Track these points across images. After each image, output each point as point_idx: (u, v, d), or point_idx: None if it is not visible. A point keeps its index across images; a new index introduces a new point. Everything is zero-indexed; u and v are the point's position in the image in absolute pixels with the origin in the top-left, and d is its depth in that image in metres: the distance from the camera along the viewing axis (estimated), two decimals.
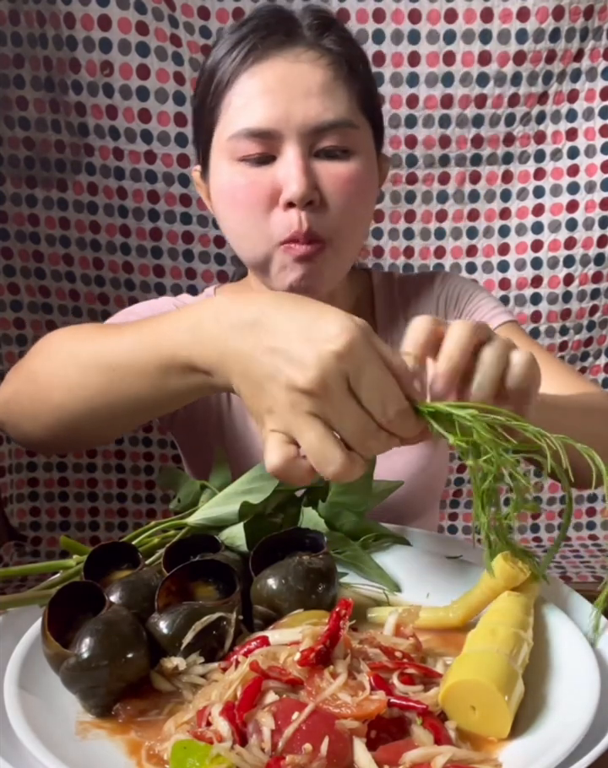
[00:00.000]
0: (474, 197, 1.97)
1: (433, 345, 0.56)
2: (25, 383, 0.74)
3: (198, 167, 0.94)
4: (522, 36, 1.83)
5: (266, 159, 0.83)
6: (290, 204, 0.82)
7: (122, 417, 0.69)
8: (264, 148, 0.82)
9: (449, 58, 1.85)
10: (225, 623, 0.56)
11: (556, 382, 0.84)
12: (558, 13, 1.82)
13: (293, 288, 0.86)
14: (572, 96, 1.91)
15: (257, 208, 0.83)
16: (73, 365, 0.69)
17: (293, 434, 0.52)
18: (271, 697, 0.48)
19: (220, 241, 1.94)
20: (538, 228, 1.98)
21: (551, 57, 1.86)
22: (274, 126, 0.81)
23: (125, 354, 0.64)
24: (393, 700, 0.48)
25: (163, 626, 0.55)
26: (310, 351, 0.50)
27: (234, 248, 0.91)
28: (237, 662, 0.51)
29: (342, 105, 0.83)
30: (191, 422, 0.99)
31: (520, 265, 2.00)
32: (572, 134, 1.94)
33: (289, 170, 0.81)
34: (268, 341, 0.53)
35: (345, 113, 0.83)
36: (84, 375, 0.67)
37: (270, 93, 0.82)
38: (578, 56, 1.87)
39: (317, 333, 0.51)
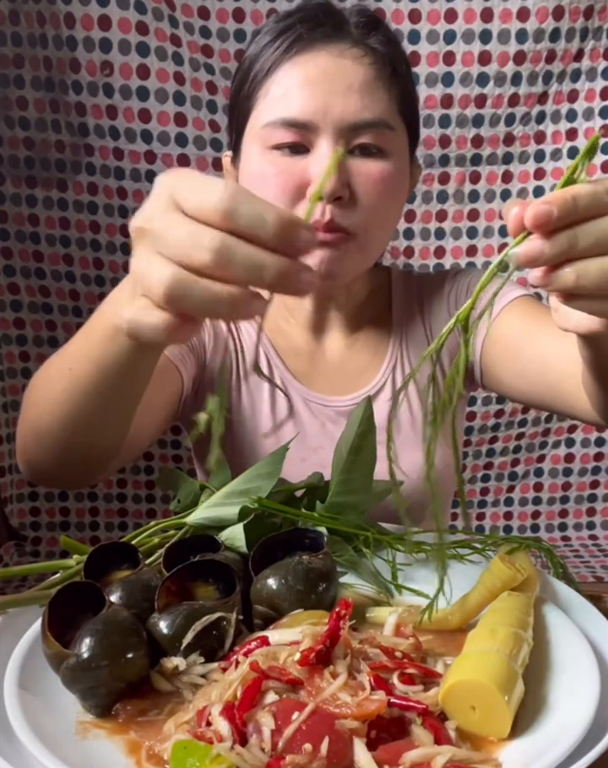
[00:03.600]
0: (474, 197, 1.97)
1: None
2: (25, 428, 0.74)
3: (229, 153, 0.94)
4: (522, 36, 1.83)
5: (299, 149, 0.83)
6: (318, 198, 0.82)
7: (95, 416, 0.66)
8: (299, 138, 0.82)
9: (449, 58, 1.85)
10: (225, 623, 0.56)
11: None
12: (558, 13, 1.82)
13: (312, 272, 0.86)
14: (572, 96, 1.91)
15: (284, 197, 0.83)
16: (45, 388, 0.69)
17: (138, 281, 0.45)
18: (271, 697, 0.48)
19: None
20: None
21: (550, 57, 1.86)
22: (311, 118, 0.81)
23: (77, 348, 0.64)
24: (393, 700, 0.48)
25: (163, 626, 0.55)
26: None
27: None
28: (237, 662, 0.51)
29: (381, 106, 0.83)
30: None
31: None
32: (572, 134, 1.93)
33: (322, 164, 0.81)
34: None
35: (383, 113, 0.83)
36: (54, 388, 0.67)
37: (311, 85, 0.81)
38: (578, 56, 1.87)
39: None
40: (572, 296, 0.45)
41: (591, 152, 0.46)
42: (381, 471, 0.73)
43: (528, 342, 0.87)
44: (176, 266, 0.42)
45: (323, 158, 0.81)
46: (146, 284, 0.44)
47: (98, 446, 0.73)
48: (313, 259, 0.84)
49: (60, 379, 0.66)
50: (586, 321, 0.48)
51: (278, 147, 0.83)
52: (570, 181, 0.46)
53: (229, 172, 0.95)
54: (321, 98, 0.81)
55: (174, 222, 0.43)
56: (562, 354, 0.80)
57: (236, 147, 0.91)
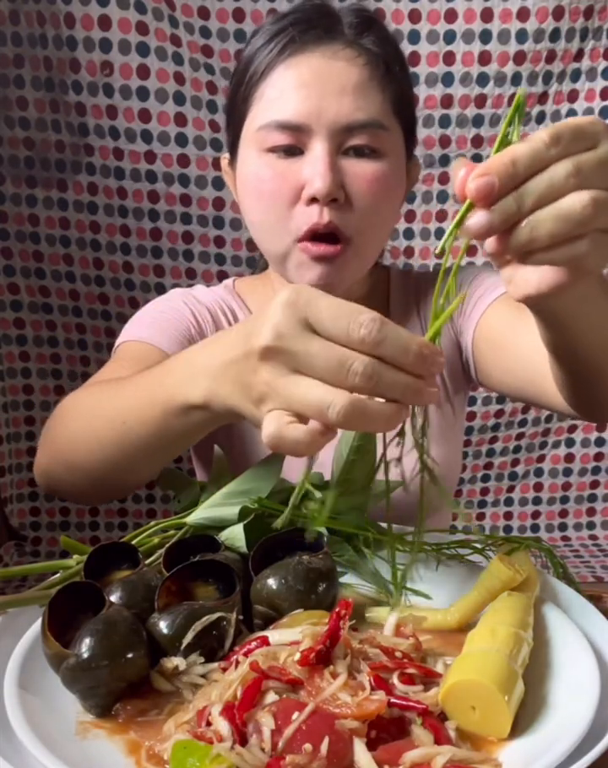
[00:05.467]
0: None
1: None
2: (54, 452, 0.77)
3: (227, 155, 0.94)
4: (522, 36, 1.84)
5: (294, 151, 0.83)
6: (313, 200, 0.82)
7: (141, 464, 0.71)
8: (293, 140, 0.83)
9: (449, 58, 1.85)
10: (225, 623, 0.56)
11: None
12: (558, 13, 1.82)
13: (311, 286, 0.86)
14: (572, 96, 1.92)
15: (281, 200, 0.83)
16: (88, 427, 0.72)
17: (281, 403, 0.47)
18: (271, 697, 0.48)
19: (220, 241, 1.94)
20: None
21: (550, 57, 1.86)
22: (305, 120, 0.81)
23: (130, 406, 0.67)
24: (393, 700, 0.48)
25: (163, 626, 0.55)
26: (261, 319, 0.48)
27: (255, 239, 0.91)
28: (237, 662, 0.51)
29: (374, 106, 0.83)
30: None
31: None
32: None
33: (315, 166, 0.81)
34: (242, 342, 0.50)
35: (377, 114, 0.83)
36: (99, 434, 0.70)
37: (304, 87, 0.82)
38: (578, 56, 1.88)
39: (268, 306, 0.48)
40: (529, 253, 0.45)
41: (519, 111, 0.46)
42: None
43: (513, 335, 0.87)
44: (343, 391, 0.45)
45: (317, 161, 0.81)
46: (309, 406, 0.46)
47: (133, 482, 0.78)
48: (312, 273, 0.85)
49: (110, 429, 0.69)
50: (548, 276, 0.46)
51: (273, 150, 0.83)
52: (504, 143, 0.45)
53: (227, 174, 0.96)
54: (314, 100, 0.81)
55: (316, 345, 0.45)
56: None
57: (233, 149, 0.92)
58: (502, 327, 0.90)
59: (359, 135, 0.82)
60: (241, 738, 0.46)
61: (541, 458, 2.16)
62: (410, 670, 0.52)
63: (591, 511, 2.17)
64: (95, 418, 0.72)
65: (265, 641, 0.54)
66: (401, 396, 0.46)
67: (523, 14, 1.82)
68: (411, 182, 0.95)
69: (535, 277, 0.46)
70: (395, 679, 0.51)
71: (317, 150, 0.82)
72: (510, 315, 0.90)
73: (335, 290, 0.86)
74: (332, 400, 0.45)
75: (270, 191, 0.84)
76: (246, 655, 0.52)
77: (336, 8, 0.88)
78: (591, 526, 2.17)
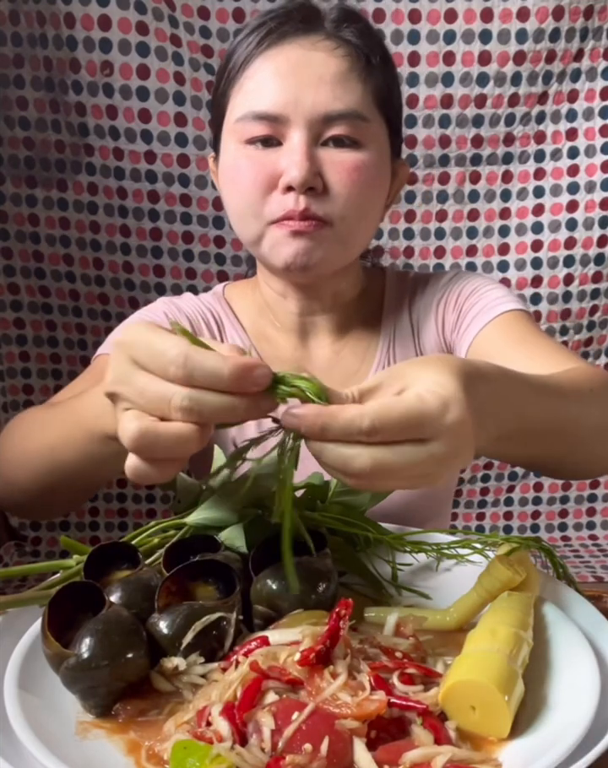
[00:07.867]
0: (474, 197, 1.97)
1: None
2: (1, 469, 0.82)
3: (214, 154, 0.95)
4: (522, 36, 1.84)
5: (272, 142, 0.83)
6: (289, 188, 0.82)
7: (72, 487, 0.77)
8: (271, 131, 0.83)
9: (449, 58, 1.85)
10: (225, 623, 0.56)
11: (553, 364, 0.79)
12: (558, 13, 1.82)
13: (288, 265, 0.85)
14: (572, 96, 1.91)
15: (256, 188, 0.83)
16: (23, 450, 0.78)
17: (123, 440, 0.48)
18: (271, 697, 0.48)
19: (220, 241, 1.94)
20: (538, 228, 1.98)
21: (551, 57, 1.86)
22: (282, 110, 0.81)
23: (59, 434, 0.72)
24: (393, 700, 0.48)
25: (163, 626, 0.55)
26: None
27: (232, 226, 0.91)
28: (237, 662, 0.51)
29: (353, 97, 0.83)
30: None
31: (520, 265, 2.00)
32: (572, 134, 1.94)
33: (292, 156, 0.81)
34: None
35: (356, 105, 0.83)
36: (31, 458, 0.76)
37: (281, 77, 0.82)
38: (578, 56, 1.87)
39: None
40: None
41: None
42: None
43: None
44: (144, 419, 0.47)
45: (293, 150, 0.81)
46: (123, 440, 0.48)
47: (67, 503, 0.85)
48: (289, 249, 0.84)
49: (40, 455, 0.74)
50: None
51: (251, 141, 0.84)
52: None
53: (214, 172, 0.96)
54: (291, 90, 0.81)
55: (141, 382, 0.47)
56: None
57: (216, 145, 0.92)
58: (494, 353, 0.86)
59: (338, 125, 0.82)
60: (241, 738, 0.46)
61: None
62: (410, 670, 0.52)
63: (591, 511, 2.17)
64: (30, 441, 0.77)
65: (265, 641, 0.54)
66: (225, 418, 0.47)
67: (523, 14, 1.82)
68: (399, 183, 0.94)
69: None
70: (395, 679, 0.51)
71: (295, 139, 0.81)
72: (502, 344, 0.88)
73: (314, 272, 0.86)
74: (128, 429, 0.47)
75: (246, 178, 0.84)
76: (246, 655, 0.52)
77: (321, 5, 0.89)
78: (591, 526, 2.17)
